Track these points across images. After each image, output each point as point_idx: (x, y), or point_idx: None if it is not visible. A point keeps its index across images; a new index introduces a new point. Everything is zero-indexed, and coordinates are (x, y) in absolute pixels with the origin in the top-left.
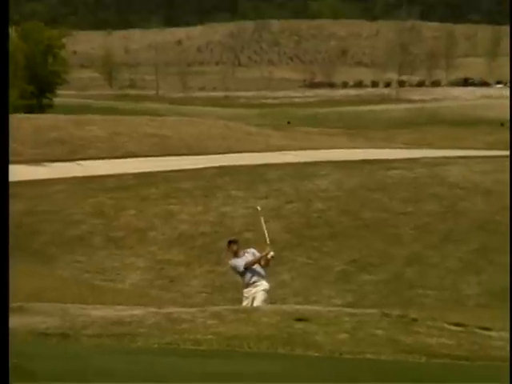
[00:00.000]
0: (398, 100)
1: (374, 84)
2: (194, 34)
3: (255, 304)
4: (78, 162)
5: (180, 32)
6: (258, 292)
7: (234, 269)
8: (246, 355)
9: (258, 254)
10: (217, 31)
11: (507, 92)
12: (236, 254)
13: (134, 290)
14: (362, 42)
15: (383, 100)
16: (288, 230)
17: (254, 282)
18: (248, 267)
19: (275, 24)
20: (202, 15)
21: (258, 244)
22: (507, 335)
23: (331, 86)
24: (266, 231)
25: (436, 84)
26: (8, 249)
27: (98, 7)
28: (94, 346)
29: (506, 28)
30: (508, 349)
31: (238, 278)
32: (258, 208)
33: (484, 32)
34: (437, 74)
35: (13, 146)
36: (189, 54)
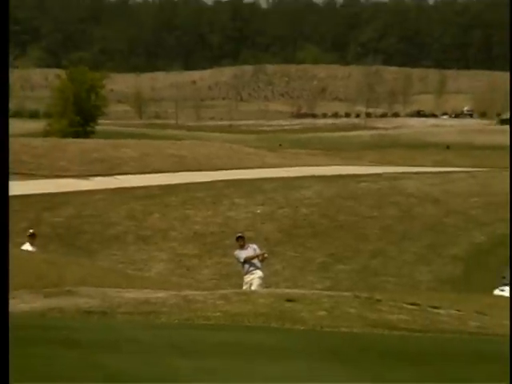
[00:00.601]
0: (366, 128)
1: (347, 115)
2: (206, 76)
3: (253, 288)
4: (115, 176)
5: (195, 74)
6: (254, 279)
7: (237, 259)
8: (246, 328)
9: (258, 249)
10: (223, 74)
11: (451, 122)
12: (242, 247)
13: (158, 277)
14: (337, 82)
15: (354, 127)
16: (279, 230)
17: (251, 271)
18: (247, 260)
19: (270, 68)
20: (212, 61)
21: (256, 241)
22: (452, 312)
23: (313, 116)
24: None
25: (395, 115)
26: (8, 249)
27: (130, 55)
28: (126, 321)
29: (451, 71)
30: (453, 323)
31: (240, 267)
32: (258, 211)
33: (433, 75)
34: (396, 107)
35: (62, 163)
36: (201, 91)
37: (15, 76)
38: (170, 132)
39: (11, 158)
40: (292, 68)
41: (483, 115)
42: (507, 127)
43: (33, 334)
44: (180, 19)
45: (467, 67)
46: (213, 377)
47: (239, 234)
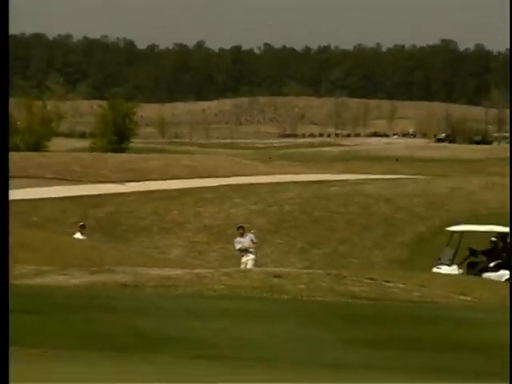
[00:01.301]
0: (335, 145)
1: (321, 135)
2: (213, 106)
3: (248, 267)
4: (143, 182)
5: (204, 104)
6: (248, 260)
7: (235, 245)
8: (244, 298)
9: (254, 238)
10: (226, 104)
11: (399, 140)
12: (242, 235)
13: (176, 259)
14: (313, 110)
15: (326, 144)
16: (269, 223)
17: (246, 254)
18: (241, 250)
19: (261, 99)
20: (218, 94)
21: (250, 229)
22: (400, 285)
23: (295, 136)
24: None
25: (357, 135)
26: (8, 246)
27: (155, 89)
28: (152, 292)
29: (400, 102)
30: (401, 293)
31: (238, 251)
32: (253, 207)
33: (386, 105)
34: (358, 129)
35: (104, 172)
36: (209, 117)
37: (67, 106)
38: (185, 148)
39: (65, 168)
40: (279, 99)
41: (424, 135)
42: (442, 144)
43: (81, 302)
44: (193, 62)
45: (411, 99)
46: (219, 334)
47: (240, 225)
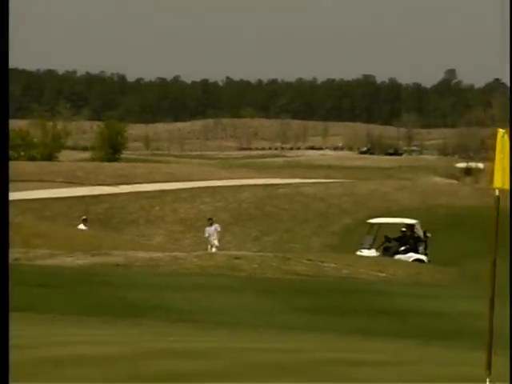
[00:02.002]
0: (281, 156)
1: (270, 148)
2: (186, 126)
3: (213, 251)
4: (132, 185)
5: (179, 124)
6: (213, 246)
7: (205, 233)
8: (211, 275)
9: (218, 227)
10: (196, 124)
11: (331, 153)
12: (210, 225)
13: (158, 245)
14: (264, 129)
15: (275, 156)
16: (230, 216)
17: (211, 240)
18: (209, 236)
19: (224, 121)
20: (190, 117)
21: (216, 222)
22: (332, 265)
23: (250, 149)
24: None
25: (298, 148)
26: (8, 246)
27: (142, 113)
28: (139, 271)
29: (332, 123)
30: (332, 271)
31: (206, 238)
32: (218, 204)
33: (320, 125)
34: (299, 144)
35: (101, 177)
36: (183, 134)
37: (73, 126)
38: (164, 158)
39: (71, 174)
40: (237, 121)
41: (350, 149)
42: (364, 156)
43: (83, 278)
44: (171, 92)
45: (340, 121)
46: (192, 303)
47: (209, 217)
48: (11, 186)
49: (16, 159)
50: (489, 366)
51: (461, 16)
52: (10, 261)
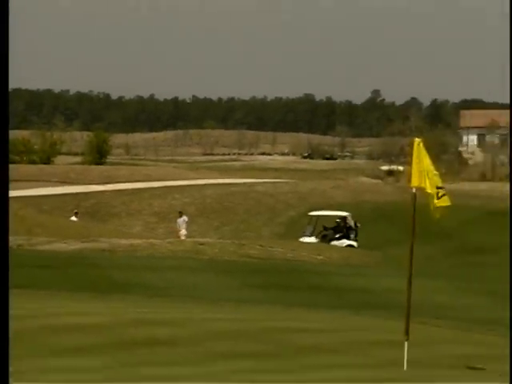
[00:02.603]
0: (238, 160)
1: (229, 154)
2: (160, 135)
3: (182, 238)
4: (115, 184)
5: (154, 134)
6: (182, 234)
7: (177, 223)
8: (181, 258)
9: (187, 219)
10: (168, 134)
11: (278, 158)
12: (180, 217)
13: (137, 233)
14: (224, 138)
15: (233, 160)
16: (196, 210)
17: (181, 229)
18: (179, 226)
19: (191, 131)
20: (163, 128)
21: (184, 214)
22: (279, 249)
23: (212, 154)
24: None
25: (252, 154)
26: (8, 248)
27: (123, 125)
28: (121, 255)
29: (280, 133)
30: (280, 254)
31: (177, 227)
32: (186, 200)
33: (270, 135)
34: (252, 150)
35: (90, 178)
36: (158, 143)
37: (67, 135)
38: (142, 162)
39: (65, 175)
40: (202, 131)
41: (294, 154)
42: (305, 160)
43: (75, 261)
44: (147, 108)
45: (286, 132)
46: (166, 281)
47: (180, 210)
48: (16, 184)
49: (19, 163)
50: (407, 333)
51: (386, 40)
52: (15, 246)
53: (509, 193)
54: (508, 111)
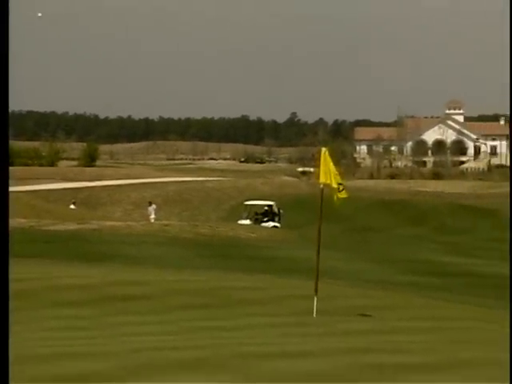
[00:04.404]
0: (193, 164)
1: (186, 159)
2: (135, 145)
3: (152, 221)
4: (102, 181)
5: (132, 144)
6: (151, 218)
7: (148, 210)
8: (152, 236)
9: (155, 207)
10: (141, 145)
11: (223, 162)
12: (150, 205)
13: (118, 217)
14: (183, 147)
15: (189, 163)
16: (162, 201)
17: (151, 215)
18: (150, 212)
19: (158, 142)
20: (137, 140)
21: (153, 203)
22: (223, 229)
23: (174, 159)
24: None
25: (202, 159)
26: (8, 245)
27: (108, 138)
28: (107, 233)
29: (224, 144)
30: (226, 233)
31: (147, 213)
32: (154, 193)
33: (216, 145)
34: (203, 156)
35: (84, 177)
36: (133, 151)
37: (67, 145)
38: (122, 165)
39: (65, 175)
40: (166, 142)
41: (234, 159)
42: (242, 164)
43: (73, 237)
44: (126, 126)
45: (229, 142)
46: (140, 253)
47: (149, 201)
48: (28, 181)
49: (31, 165)
50: (316, 290)
51: (302, 70)
52: (27, 227)
53: (509, 193)
54: (389, 129)
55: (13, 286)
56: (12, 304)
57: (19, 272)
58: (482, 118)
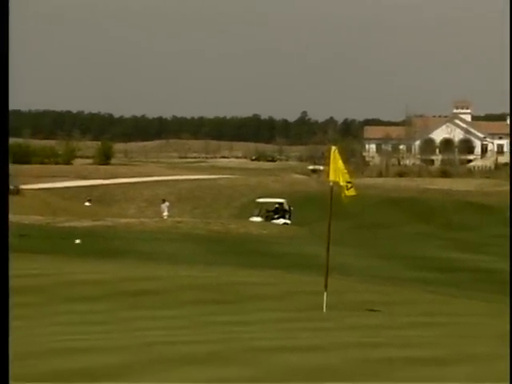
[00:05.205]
0: (205, 162)
1: (199, 157)
2: (149, 144)
3: (165, 218)
4: (118, 179)
5: (145, 143)
6: (164, 215)
7: (161, 207)
8: (166, 232)
9: (168, 204)
10: (155, 143)
11: (234, 160)
12: (163, 203)
13: (132, 214)
14: (195, 145)
15: (201, 162)
16: (175, 198)
17: (164, 212)
18: (163, 209)
19: (171, 141)
20: (151, 139)
21: (166, 201)
22: (233, 226)
23: (186, 158)
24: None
25: (215, 158)
26: (8, 245)
27: (123, 136)
28: (121, 229)
29: (236, 142)
30: (239, 230)
31: (161, 210)
32: (167, 190)
33: (228, 144)
34: (215, 155)
35: (99, 175)
36: (147, 149)
37: (82, 144)
38: (136, 163)
39: (80, 173)
40: (179, 141)
41: (245, 157)
42: (254, 162)
43: (88, 234)
44: (140, 125)
45: (241, 141)
46: (153, 249)
47: (163, 198)
48: (45, 179)
49: (48, 164)
50: (326, 286)
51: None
52: (44, 224)
53: (509, 192)
54: (397, 128)
55: (29, 282)
56: (28, 299)
57: (35, 268)
58: (489, 117)
